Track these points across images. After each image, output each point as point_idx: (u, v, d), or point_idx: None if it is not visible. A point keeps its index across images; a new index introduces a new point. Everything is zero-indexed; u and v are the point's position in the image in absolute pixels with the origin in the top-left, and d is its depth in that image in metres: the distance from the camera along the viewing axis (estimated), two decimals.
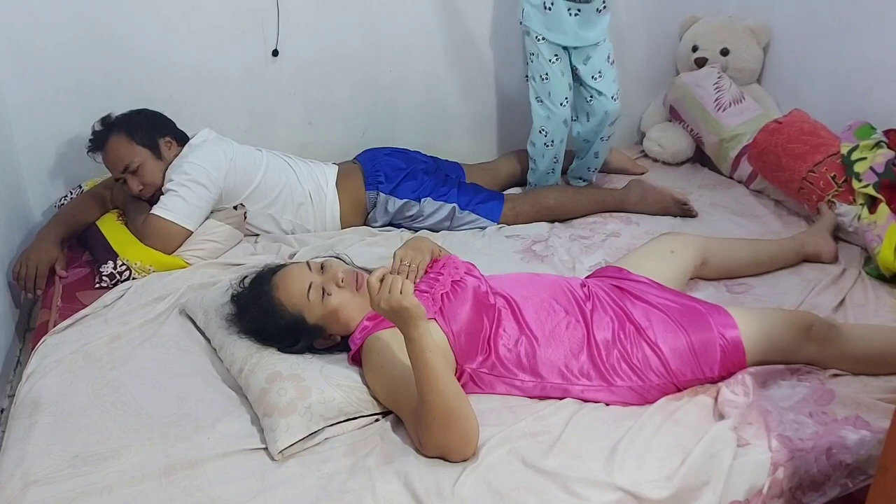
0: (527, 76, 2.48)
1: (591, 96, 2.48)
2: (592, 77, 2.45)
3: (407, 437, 1.44)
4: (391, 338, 1.50)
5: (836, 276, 2.05)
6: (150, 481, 1.35)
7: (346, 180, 2.38)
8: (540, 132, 2.50)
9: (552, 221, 2.43)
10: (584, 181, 2.70)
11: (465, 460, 1.37)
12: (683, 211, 2.46)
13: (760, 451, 1.40)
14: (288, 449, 1.40)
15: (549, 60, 2.40)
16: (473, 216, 2.39)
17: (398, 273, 1.68)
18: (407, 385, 1.39)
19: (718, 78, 2.77)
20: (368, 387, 1.51)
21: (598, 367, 1.57)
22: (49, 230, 2.15)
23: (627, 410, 1.53)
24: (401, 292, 1.34)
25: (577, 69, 2.44)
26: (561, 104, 2.45)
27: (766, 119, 2.59)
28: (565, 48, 2.40)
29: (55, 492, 1.33)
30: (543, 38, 2.38)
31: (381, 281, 1.37)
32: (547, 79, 2.42)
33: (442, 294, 1.60)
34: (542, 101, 2.46)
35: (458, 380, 1.53)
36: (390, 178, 2.38)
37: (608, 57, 2.45)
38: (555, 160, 2.57)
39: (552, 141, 2.50)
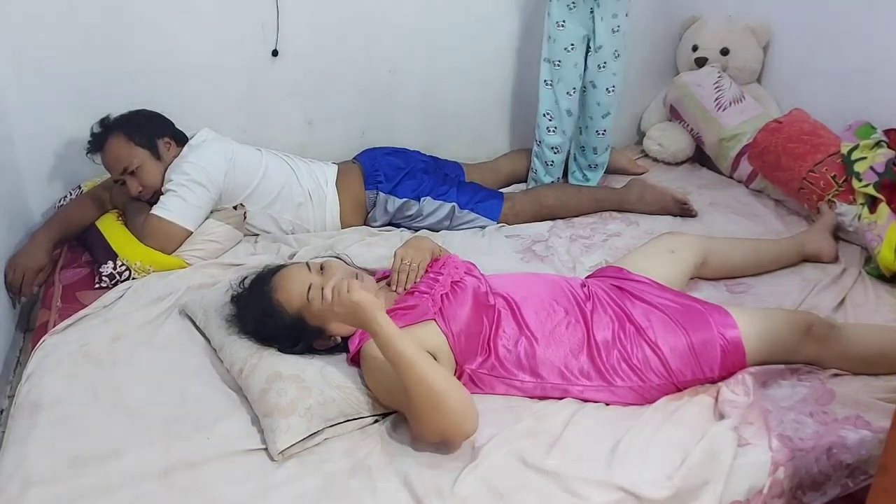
0: (544, 57, 2.50)
1: (586, 86, 2.52)
2: (597, 66, 2.48)
3: (407, 437, 1.44)
4: None
5: (837, 276, 2.05)
6: (150, 481, 1.35)
7: (345, 180, 2.38)
8: (545, 115, 2.53)
9: (552, 220, 2.43)
10: (587, 181, 2.70)
11: (467, 438, 1.37)
12: (683, 210, 2.46)
13: (761, 451, 1.40)
14: (288, 449, 1.40)
15: (565, 49, 2.43)
16: (473, 215, 2.39)
17: (399, 271, 1.68)
18: None
19: (718, 77, 2.77)
20: (368, 388, 1.51)
21: (597, 367, 1.57)
22: (42, 234, 2.14)
23: (627, 410, 1.53)
24: (348, 290, 1.37)
25: (588, 52, 2.47)
26: (568, 93, 2.49)
27: (766, 119, 2.59)
28: (584, 37, 2.42)
29: (55, 492, 1.33)
30: (563, 24, 2.39)
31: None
32: (559, 66, 2.46)
33: (441, 295, 1.60)
34: (550, 85, 2.50)
35: (458, 380, 1.53)
36: (390, 178, 2.38)
37: (616, 52, 2.47)
38: (555, 150, 2.58)
39: (555, 127, 2.54)
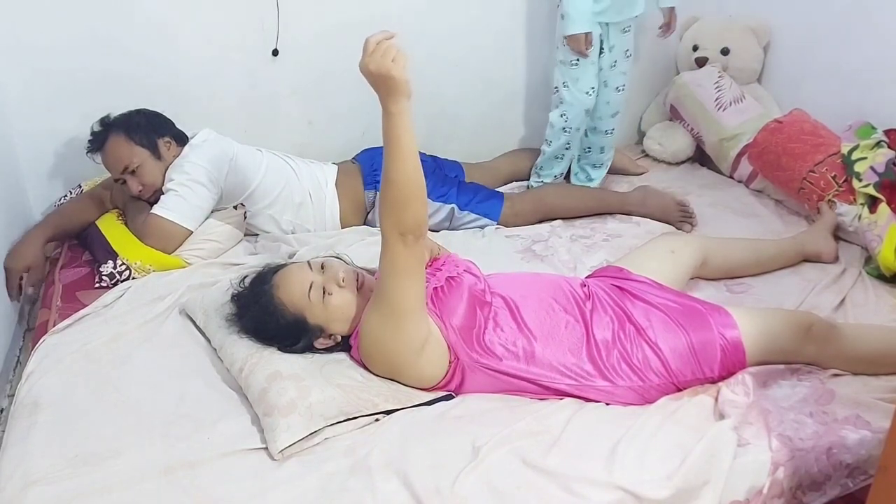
0: (559, 60, 2.49)
1: (597, 85, 2.51)
2: (610, 66, 2.49)
3: (407, 438, 1.44)
4: None
5: (837, 276, 2.04)
6: (150, 481, 1.35)
7: (345, 180, 2.38)
8: (561, 116, 2.52)
9: (552, 220, 2.42)
10: (590, 181, 2.70)
11: (419, 240, 1.42)
12: (684, 216, 2.41)
13: (761, 451, 1.40)
14: (288, 449, 1.40)
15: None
16: (473, 216, 2.38)
17: None
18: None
19: (719, 77, 2.77)
20: (369, 370, 1.54)
21: (597, 366, 1.56)
22: (35, 232, 2.15)
23: (627, 410, 1.53)
24: (393, 61, 1.32)
25: (601, 52, 2.46)
26: (587, 92, 2.48)
27: (766, 119, 2.59)
28: (598, 35, 2.41)
29: (55, 492, 1.33)
30: None
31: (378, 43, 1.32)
32: (576, 65, 2.44)
33: (435, 287, 1.60)
34: (568, 87, 2.49)
35: (453, 374, 1.54)
36: None
37: (627, 50, 2.48)
38: (567, 146, 2.58)
39: (571, 126, 2.53)
